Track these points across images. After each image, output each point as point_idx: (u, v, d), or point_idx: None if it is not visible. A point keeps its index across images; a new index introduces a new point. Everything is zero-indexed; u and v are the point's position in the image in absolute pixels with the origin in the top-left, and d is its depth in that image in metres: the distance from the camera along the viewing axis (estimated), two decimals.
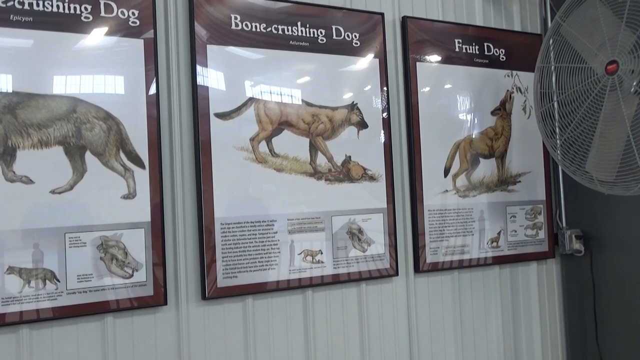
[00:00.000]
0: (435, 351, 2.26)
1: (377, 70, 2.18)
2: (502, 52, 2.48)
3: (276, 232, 1.92)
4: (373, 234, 2.10)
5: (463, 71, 2.38)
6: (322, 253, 2.00)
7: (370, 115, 2.14)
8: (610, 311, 2.41)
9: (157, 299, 1.71)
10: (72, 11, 1.68)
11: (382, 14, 2.20)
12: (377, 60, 2.19)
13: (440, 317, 2.27)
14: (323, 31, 2.07)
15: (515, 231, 2.45)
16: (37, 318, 1.56)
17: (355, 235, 2.07)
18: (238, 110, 1.90)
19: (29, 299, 1.55)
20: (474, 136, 2.38)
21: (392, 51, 2.24)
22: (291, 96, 2.00)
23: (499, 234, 2.40)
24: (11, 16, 1.60)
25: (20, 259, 1.54)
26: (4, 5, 1.59)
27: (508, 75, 2.49)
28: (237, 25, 1.92)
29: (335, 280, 2.02)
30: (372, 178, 2.12)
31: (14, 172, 1.56)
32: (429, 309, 2.25)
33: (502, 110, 2.46)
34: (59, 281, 1.58)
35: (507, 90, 2.48)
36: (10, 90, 1.57)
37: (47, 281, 1.57)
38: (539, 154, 2.54)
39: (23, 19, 1.61)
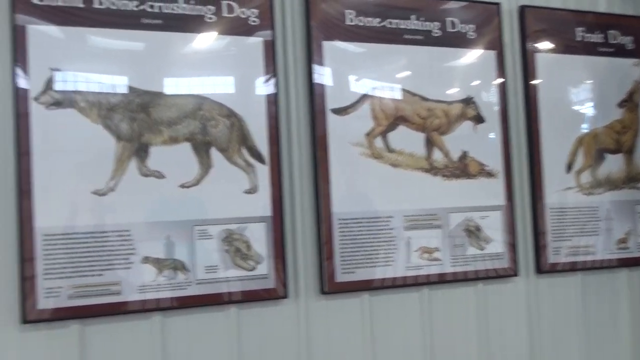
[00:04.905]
0: (559, 356, 2.13)
1: (493, 63, 2.11)
2: (629, 39, 2.31)
3: (392, 229, 1.90)
4: (491, 231, 2.03)
5: (585, 61, 2.25)
6: (438, 250, 1.95)
7: (486, 109, 2.07)
8: None
9: (279, 292, 1.74)
10: (197, 13, 1.74)
11: (498, 4, 2.12)
12: (494, 52, 2.11)
13: (563, 321, 2.15)
14: (438, 24, 2.03)
15: None
16: (168, 306, 1.63)
17: (473, 233, 2.00)
18: (353, 105, 1.89)
19: (161, 287, 1.62)
20: (598, 130, 2.23)
21: (509, 42, 2.16)
22: (406, 91, 1.97)
23: (627, 234, 2.24)
24: (142, 19, 1.68)
25: (154, 249, 1.62)
26: (136, 9, 1.68)
27: (636, 65, 2.31)
28: (351, 20, 1.92)
29: (453, 279, 1.97)
30: (489, 174, 2.05)
31: (147, 167, 1.64)
32: (552, 312, 2.13)
33: (630, 102, 2.29)
34: (188, 271, 1.65)
35: (635, 81, 2.31)
36: (142, 90, 1.66)
37: (177, 271, 1.64)
38: None
39: (153, 22, 1.69)
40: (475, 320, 2.02)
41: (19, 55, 1.55)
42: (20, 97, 1.55)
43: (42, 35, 1.58)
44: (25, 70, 1.55)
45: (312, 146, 1.84)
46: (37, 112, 1.56)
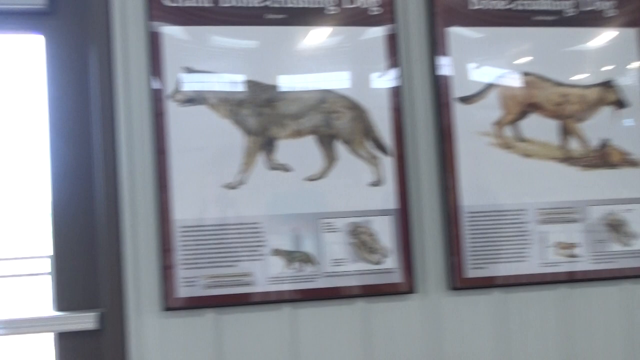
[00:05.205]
0: None
1: (635, 42, 1.92)
2: None
3: (525, 222, 1.79)
4: (637, 226, 1.85)
5: None
6: (577, 246, 1.81)
7: (629, 93, 1.89)
8: None
9: (406, 286, 1.70)
10: (318, 5, 1.74)
11: None
12: (635, 30, 1.93)
13: None
14: (572, 2, 1.89)
15: None
16: (298, 298, 1.64)
17: (616, 227, 1.84)
18: (480, 93, 1.81)
19: (291, 279, 1.64)
20: None
21: None
22: (536, 76, 1.85)
23: None
24: (265, 15, 1.71)
25: (282, 241, 1.64)
26: (260, 5, 1.71)
27: None
28: (475, 4, 1.84)
29: (594, 277, 1.82)
30: (634, 164, 1.87)
31: (274, 161, 1.67)
32: None
33: None
34: (316, 264, 1.65)
35: None
36: (267, 84, 1.69)
37: (306, 264, 1.65)
38: None
39: (276, 17, 1.71)
40: (619, 322, 1.85)
41: (154, 58, 1.63)
42: (156, 98, 1.63)
43: (172, 36, 1.65)
44: (159, 72, 1.63)
45: (437, 137, 1.78)
46: (172, 111, 1.63)
